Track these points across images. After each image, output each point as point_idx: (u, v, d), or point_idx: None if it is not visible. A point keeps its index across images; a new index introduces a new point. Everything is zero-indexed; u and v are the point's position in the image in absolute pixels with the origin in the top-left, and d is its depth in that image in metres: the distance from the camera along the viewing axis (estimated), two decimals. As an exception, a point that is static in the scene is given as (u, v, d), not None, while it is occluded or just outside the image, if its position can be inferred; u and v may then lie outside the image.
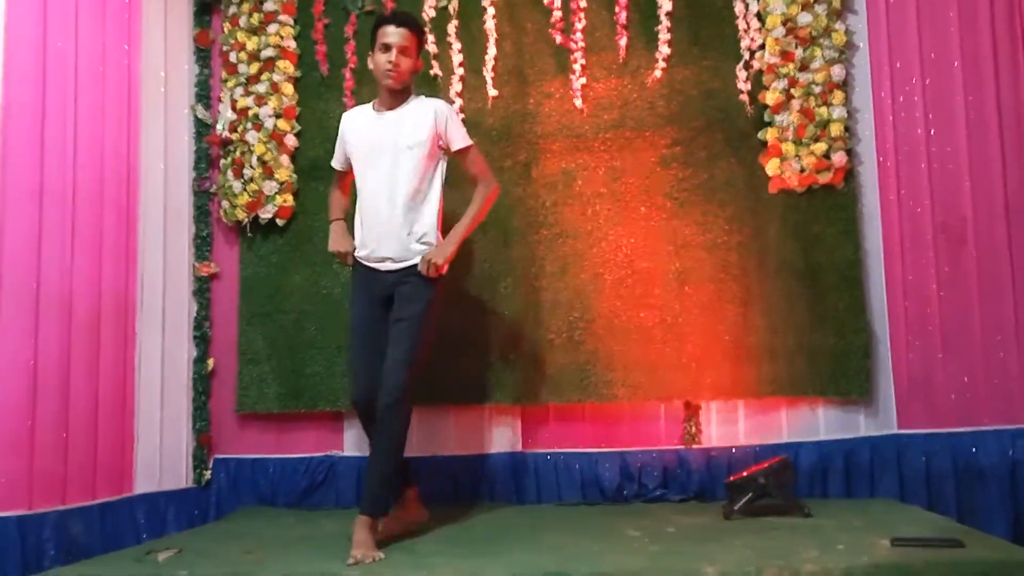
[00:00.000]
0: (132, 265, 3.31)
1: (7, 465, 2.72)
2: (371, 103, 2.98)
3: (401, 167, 2.82)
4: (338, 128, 2.96)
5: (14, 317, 2.77)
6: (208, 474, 3.55)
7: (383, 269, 2.85)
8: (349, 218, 3.05)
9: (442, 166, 2.91)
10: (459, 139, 2.91)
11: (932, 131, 3.38)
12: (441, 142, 2.89)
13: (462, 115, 3.53)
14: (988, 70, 3.35)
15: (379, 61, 2.85)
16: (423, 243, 2.84)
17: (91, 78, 3.15)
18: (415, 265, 2.80)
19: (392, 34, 2.83)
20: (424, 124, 2.85)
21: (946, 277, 3.32)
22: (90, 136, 3.13)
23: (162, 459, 3.38)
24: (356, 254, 2.92)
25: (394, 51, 2.82)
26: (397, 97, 2.89)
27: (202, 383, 3.57)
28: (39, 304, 2.85)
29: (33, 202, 2.87)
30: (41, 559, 2.76)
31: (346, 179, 3.07)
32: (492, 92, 3.56)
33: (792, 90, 3.40)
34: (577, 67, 3.54)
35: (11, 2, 2.84)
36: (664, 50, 3.51)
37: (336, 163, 3.07)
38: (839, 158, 3.36)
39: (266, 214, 3.57)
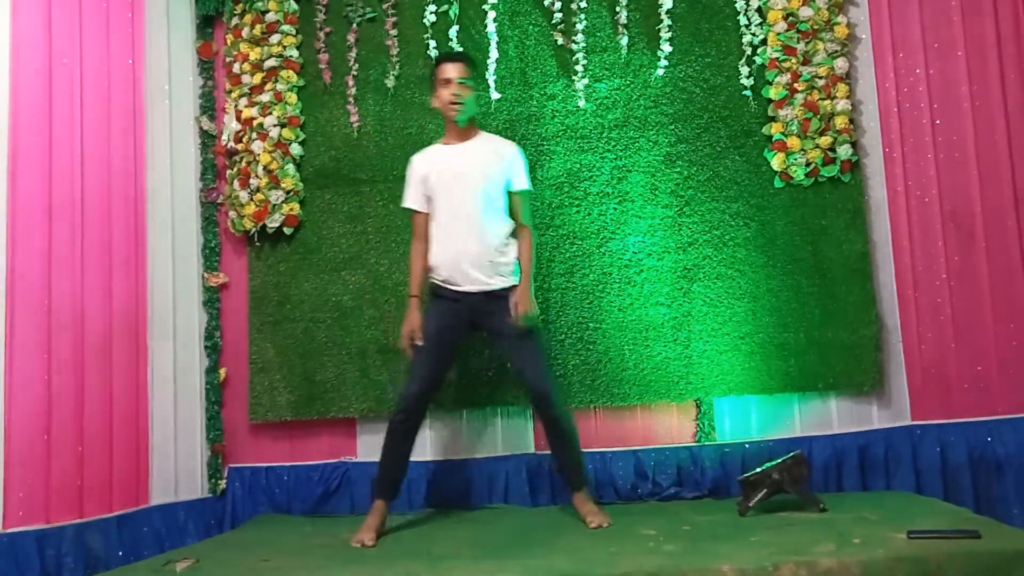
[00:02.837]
0: (142, 278, 3.33)
1: (24, 480, 2.75)
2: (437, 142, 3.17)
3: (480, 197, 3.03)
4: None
5: (27, 333, 2.80)
6: (223, 483, 3.55)
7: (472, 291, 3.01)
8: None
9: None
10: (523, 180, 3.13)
11: (938, 121, 3.38)
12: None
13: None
14: (992, 58, 3.34)
15: (442, 96, 3.03)
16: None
17: (96, 93, 3.17)
18: (503, 289, 3.01)
19: (450, 69, 3.02)
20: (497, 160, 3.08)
21: (956, 267, 3.32)
22: (97, 151, 3.15)
23: (177, 470, 3.40)
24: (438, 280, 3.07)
25: (454, 84, 3.01)
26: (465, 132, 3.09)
27: (214, 393, 3.58)
28: (51, 319, 2.88)
29: (42, 218, 2.90)
30: (60, 572, 2.79)
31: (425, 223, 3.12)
32: (495, 95, 3.56)
33: (795, 84, 3.40)
34: (579, 68, 3.54)
35: (16, 20, 2.87)
36: (666, 48, 3.51)
37: (413, 204, 3.14)
38: (844, 151, 3.36)
39: (273, 223, 3.58)
